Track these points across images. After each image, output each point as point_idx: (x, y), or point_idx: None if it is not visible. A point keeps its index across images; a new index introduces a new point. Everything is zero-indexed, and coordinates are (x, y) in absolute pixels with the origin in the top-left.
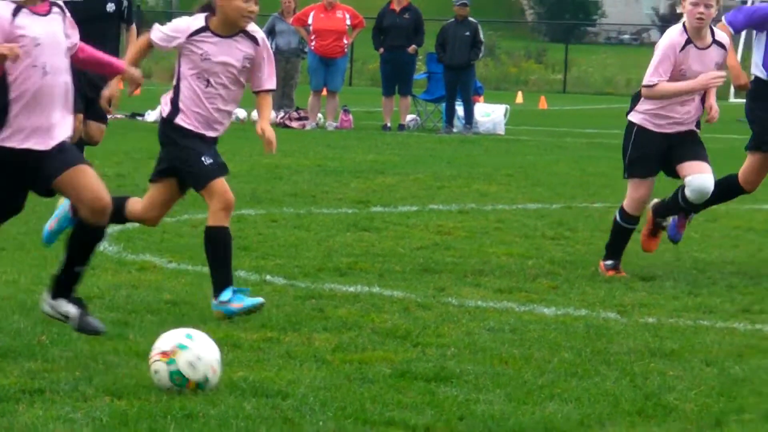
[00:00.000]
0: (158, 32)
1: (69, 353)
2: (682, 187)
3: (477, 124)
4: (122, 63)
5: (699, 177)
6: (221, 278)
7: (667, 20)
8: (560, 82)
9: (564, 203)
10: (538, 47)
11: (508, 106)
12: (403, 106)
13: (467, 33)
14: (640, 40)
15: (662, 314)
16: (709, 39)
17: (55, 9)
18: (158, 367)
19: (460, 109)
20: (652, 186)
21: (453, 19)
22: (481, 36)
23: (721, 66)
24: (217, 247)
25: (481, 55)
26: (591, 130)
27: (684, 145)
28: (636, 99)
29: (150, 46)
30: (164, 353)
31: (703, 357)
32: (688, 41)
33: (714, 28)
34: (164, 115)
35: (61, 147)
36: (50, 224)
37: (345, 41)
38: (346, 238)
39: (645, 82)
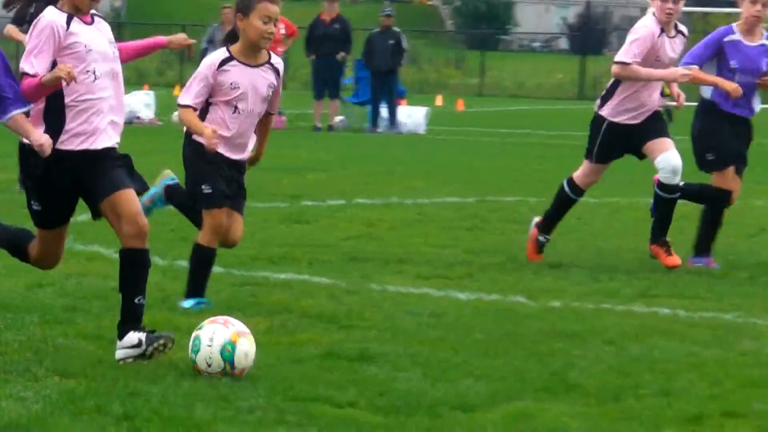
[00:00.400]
0: (190, 95)
1: (22, 337)
2: (654, 192)
3: (400, 125)
4: (161, 39)
5: (665, 156)
6: (192, 288)
7: (575, 29)
8: (476, 86)
9: (478, 197)
10: (457, 54)
11: (429, 108)
12: (332, 108)
13: (392, 41)
14: (550, 47)
15: (567, 298)
16: (674, 30)
17: (97, 18)
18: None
19: (384, 111)
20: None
21: (379, 29)
22: (405, 44)
23: (681, 55)
24: (198, 262)
25: (404, 61)
26: (504, 130)
27: (646, 126)
28: (607, 95)
29: (195, 110)
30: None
31: (604, 337)
32: (662, 30)
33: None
34: (184, 129)
35: (114, 159)
36: (145, 200)
37: (280, 49)
38: (279, 230)
39: (619, 59)
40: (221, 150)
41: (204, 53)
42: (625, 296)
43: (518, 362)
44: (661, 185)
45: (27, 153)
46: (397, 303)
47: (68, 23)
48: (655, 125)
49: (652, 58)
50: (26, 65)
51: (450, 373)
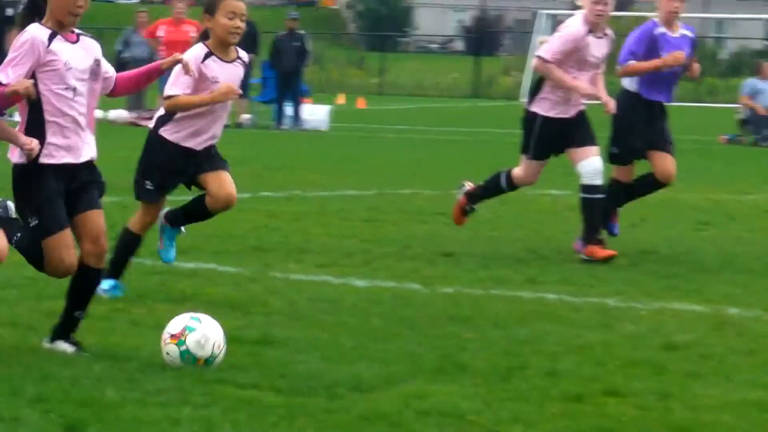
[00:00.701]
0: (179, 87)
1: None
2: (579, 192)
3: (304, 122)
4: (155, 63)
5: (587, 161)
6: (113, 269)
7: (470, 31)
8: (377, 86)
9: (377, 190)
10: (358, 55)
11: (331, 107)
12: (240, 106)
13: (296, 43)
14: (447, 48)
15: (459, 285)
16: (602, 32)
17: (84, 38)
18: (170, 349)
19: (289, 110)
20: None
21: (284, 32)
22: (309, 46)
23: (607, 57)
24: (125, 246)
25: (308, 62)
26: (402, 127)
27: (574, 130)
28: (535, 91)
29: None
30: (174, 336)
31: (493, 321)
32: (589, 31)
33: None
34: (151, 125)
35: (91, 176)
36: (159, 245)
37: None
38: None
39: (539, 53)
40: (189, 144)
41: (119, 55)
42: (514, 283)
43: (412, 345)
44: (585, 187)
45: (19, 171)
46: (298, 290)
47: (50, 40)
48: (581, 130)
49: (578, 57)
50: (2, 75)
51: (348, 356)
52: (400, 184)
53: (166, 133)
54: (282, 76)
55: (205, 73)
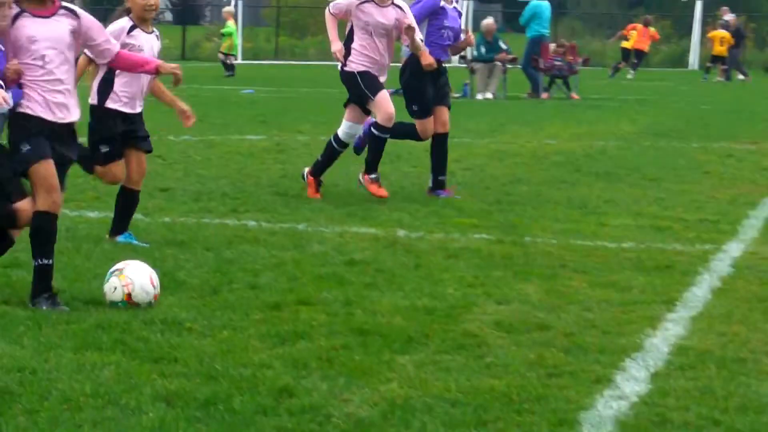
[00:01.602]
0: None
1: None
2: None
3: None
4: (156, 62)
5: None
6: (121, 225)
7: (177, 4)
8: None
9: None
10: None
11: None
12: None
13: None
14: (158, 19)
15: (175, 215)
16: (388, 1)
17: (62, 12)
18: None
19: None
20: None
21: None
22: None
23: (402, 22)
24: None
25: None
26: None
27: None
28: (346, 53)
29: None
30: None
31: (204, 245)
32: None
33: None
34: (94, 102)
35: (70, 130)
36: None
37: None
38: None
39: (329, 5)
40: (127, 110)
41: None
42: (220, 212)
43: None
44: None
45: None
46: None
47: (15, 19)
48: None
49: (362, 24)
50: None
51: (83, 275)
52: None
53: (110, 103)
54: None
55: (130, 43)
